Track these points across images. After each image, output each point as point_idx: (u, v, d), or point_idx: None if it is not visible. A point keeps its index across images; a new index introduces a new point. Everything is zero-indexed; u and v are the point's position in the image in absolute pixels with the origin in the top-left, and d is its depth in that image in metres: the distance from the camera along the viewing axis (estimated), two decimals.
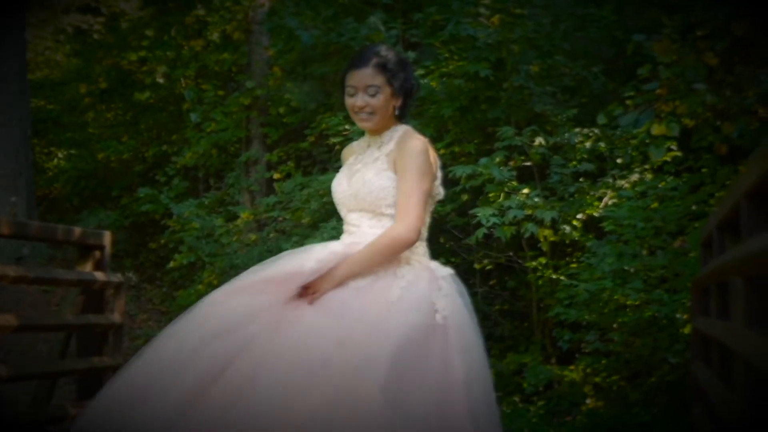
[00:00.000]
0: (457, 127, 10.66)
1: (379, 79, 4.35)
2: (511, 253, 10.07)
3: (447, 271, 4.38)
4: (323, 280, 4.22)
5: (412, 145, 4.36)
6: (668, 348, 7.75)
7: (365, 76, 4.35)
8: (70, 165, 17.40)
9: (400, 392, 3.81)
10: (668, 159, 8.87)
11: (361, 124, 4.44)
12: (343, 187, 4.46)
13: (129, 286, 13.58)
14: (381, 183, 4.34)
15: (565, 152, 9.68)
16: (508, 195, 9.36)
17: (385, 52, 4.44)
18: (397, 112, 4.42)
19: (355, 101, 4.37)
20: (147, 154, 16.33)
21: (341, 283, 4.21)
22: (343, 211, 4.48)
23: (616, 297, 8.05)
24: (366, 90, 4.35)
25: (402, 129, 4.46)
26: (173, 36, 15.68)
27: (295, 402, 3.76)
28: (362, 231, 4.38)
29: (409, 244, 4.26)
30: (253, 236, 12.67)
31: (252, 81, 14.13)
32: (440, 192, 4.57)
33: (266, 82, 14.01)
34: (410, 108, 4.51)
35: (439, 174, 4.55)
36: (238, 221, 13.22)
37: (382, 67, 4.36)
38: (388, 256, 4.26)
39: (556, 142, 9.72)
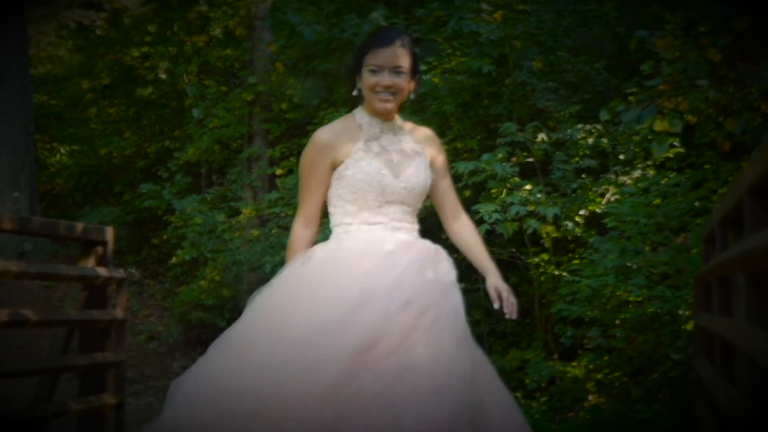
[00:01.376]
0: (459, 123, 10.65)
1: (405, 61, 4.29)
2: (513, 250, 10.07)
3: None
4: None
5: (441, 144, 4.61)
6: (671, 344, 7.75)
7: (393, 55, 4.29)
8: (73, 161, 17.41)
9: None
10: (671, 155, 8.87)
11: (381, 105, 4.34)
12: (389, 178, 4.33)
13: (131, 282, 13.60)
14: (427, 179, 4.42)
15: (567, 148, 9.68)
16: (510, 191, 9.35)
17: (407, 34, 4.41)
18: (411, 96, 4.42)
19: (380, 80, 4.29)
20: (149, 149, 16.33)
21: None
22: (376, 201, 4.35)
23: (618, 293, 8.05)
24: (393, 69, 4.28)
25: (400, 118, 4.52)
26: (176, 32, 15.67)
27: None
28: (407, 226, 4.40)
29: None
30: (255, 232, 12.67)
31: (254, 77, 14.12)
32: None
33: (269, 77, 14.00)
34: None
35: None
36: (241, 217, 13.22)
37: (409, 48, 4.33)
38: None
39: (559, 138, 9.72)
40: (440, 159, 4.51)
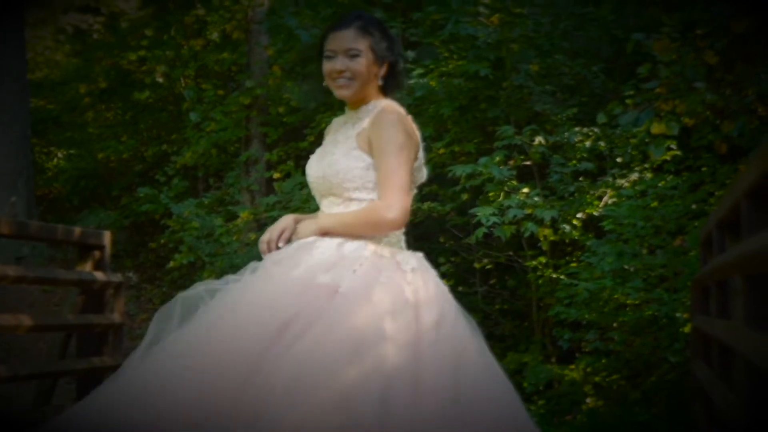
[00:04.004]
0: (456, 127, 10.66)
1: (361, 42, 3.99)
2: (511, 253, 10.07)
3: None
4: (304, 226, 3.98)
5: (387, 120, 3.98)
6: (668, 347, 7.76)
7: (346, 38, 3.99)
8: (70, 165, 17.43)
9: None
10: (668, 158, 8.87)
11: (339, 92, 4.05)
12: (312, 169, 4.08)
13: (129, 286, 13.58)
14: (348, 163, 3.97)
15: (564, 151, 9.68)
16: (507, 194, 9.35)
17: (369, 16, 4.12)
18: (380, 82, 4.06)
19: (334, 65, 4.00)
20: (147, 153, 16.34)
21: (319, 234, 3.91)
22: (317, 198, 4.11)
23: (616, 296, 8.05)
24: (346, 53, 3.99)
25: (383, 103, 4.07)
26: (173, 35, 15.70)
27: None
28: None
29: (395, 226, 3.91)
30: (253, 236, 12.66)
31: (251, 80, 14.13)
32: (423, 174, 4.20)
33: (266, 81, 14.01)
34: (396, 83, 4.14)
35: (422, 155, 4.14)
36: (238, 221, 13.22)
37: (365, 30, 4.02)
38: (369, 232, 3.92)
39: (556, 141, 9.72)
40: (375, 139, 3.97)
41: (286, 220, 4.05)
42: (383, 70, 4.06)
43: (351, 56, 3.99)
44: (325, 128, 4.45)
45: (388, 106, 4.05)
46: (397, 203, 3.86)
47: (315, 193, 4.12)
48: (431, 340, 3.65)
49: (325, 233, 3.92)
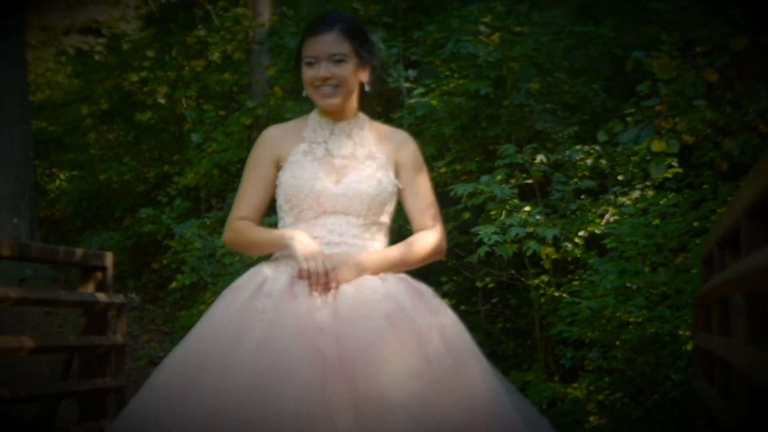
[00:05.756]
0: (458, 146, 10.67)
1: (345, 46, 3.74)
2: (513, 271, 10.06)
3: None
4: (348, 267, 3.65)
5: (417, 147, 3.92)
6: (671, 365, 7.74)
7: (329, 42, 3.73)
8: (72, 186, 17.45)
9: None
10: (669, 175, 8.87)
11: (325, 101, 3.78)
12: (324, 184, 3.75)
13: (131, 307, 13.58)
14: (388, 187, 3.80)
15: (566, 169, 9.68)
16: (509, 213, 9.35)
17: (349, 17, 3.88)
18: (367, 88, 3.84)
19: (317, 72, 3.73)
20: (149, 174, 16.34)
21: (369, 274, 3.68)
22: (312, 211, 3.76)
23: (618, 314, 8.04)
24: (330, 58, 3.73)
25: (367, 119, 3.92)
26: (174, 56, 15.72)
27: None
28: (349, 242, 3.77)
29: (443, 255, 3.93)
30: (255, 256, 12.66)
31: (253, 101, 14.16)
32: None
33: (267, 101, 14.03)
34: (377, 90, 3.91)
35: None
36: None
37: (348, 33, 3.76)
38: (425, 263, 3.84)
39: (557, 159, 9.72)
40: (408, 163, 3.87)
41: (320, 258, 3.63)
42: (367, 76, 3.86)
43: (335, 62, 3.75)
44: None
45: (402, 131, 4.00)
46: (444, 232, 3.90)
47: (314, 208, 3.76)
48: None
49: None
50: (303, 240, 3.68)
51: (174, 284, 13.30)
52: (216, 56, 15.61)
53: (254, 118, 14.07)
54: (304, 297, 3.59)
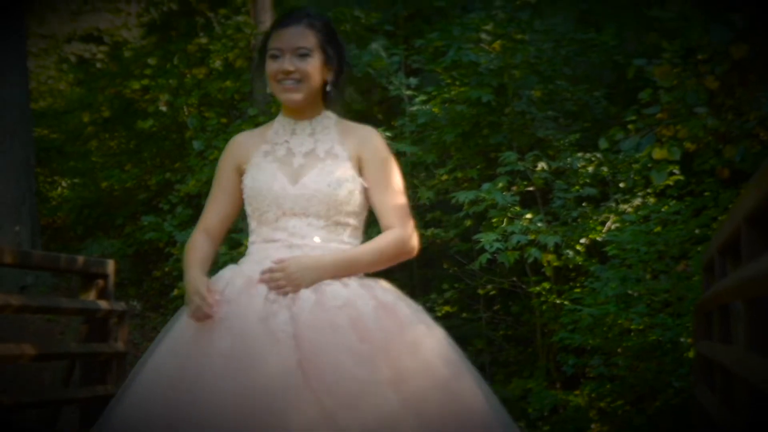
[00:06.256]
0: (459, 153, 10.68)
1: (311, 41, 3.62)
2: (514, 279, 10.06)
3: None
4: (308, 270, 3.52)
5: (382, 142, 3.74)
6: (672, 372, 7.74)
7: (294, 35, 3.62)
8: (74, 194, 17.43)
9: None
10: (670, 183, 8.88)
11: (287, 95, 3.66)
12: (281, 184, 3.64)
13: (133, 315, 13.57)
14: (348, 185, 3.64)
15: (567, 177, 9.69)
16: (511, 220, 9.35)
17: (318, 14, 3.74)
18: (328, 88, 3.70)
19: (281, 65, 3.61)
20: (150, 182, 16.33)
21: (329, 278, 3.54)
22: (273, 214, 3.66)
23: (620, 321, 8.04)
24: (295, 52, 3.61)
25: (335, 117, 3.77)
26: (176, 64, 15.72)
27: None
28: (311, 244, 3.63)
29: (413, 255, 3.71)
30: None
31: (254, 108, 14.15)
32: None
33: (269, 109, 14.01)
34: (339, 94, 3.78)
35: None
36: (242, 248, 13.21)
37: (315, 28, 3.65)
38: (390, 263, 3.66)
39: (559, 166, 9.73)
40: (372, 159, 3.70)
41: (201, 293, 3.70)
42: (332, 75, 3.72)
43: (300, 55, 3.63)
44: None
45: (356, 124, 3.83)
46: (414, 231, 3.69)
47: (273, 209, 3.66)
48: None
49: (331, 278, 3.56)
50: (189, 284, 3.82)
51: (176, 292, 13.29)
52: (218, 64, 15.61)
53: (256, 125, 14.04)
54: (260, 300, 3.56)
